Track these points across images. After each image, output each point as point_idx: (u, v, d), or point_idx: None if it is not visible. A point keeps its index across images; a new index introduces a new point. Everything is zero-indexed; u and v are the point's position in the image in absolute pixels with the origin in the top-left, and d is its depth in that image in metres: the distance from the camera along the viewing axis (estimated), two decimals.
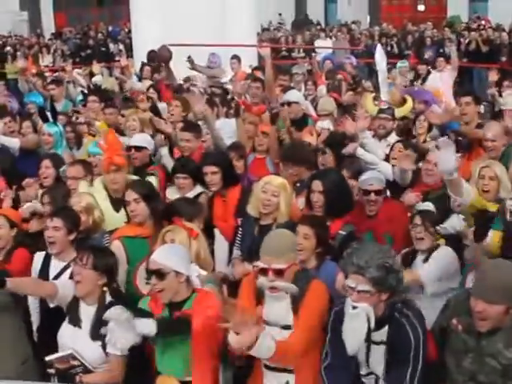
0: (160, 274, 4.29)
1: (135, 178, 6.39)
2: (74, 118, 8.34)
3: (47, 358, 4.49)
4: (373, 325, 3.95)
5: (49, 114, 9.70)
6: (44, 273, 5.22)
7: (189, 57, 11.75)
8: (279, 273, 4.19)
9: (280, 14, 33.19)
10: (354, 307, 3.94)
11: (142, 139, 7.19)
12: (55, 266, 5.17)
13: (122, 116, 8.29)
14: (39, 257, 5.34)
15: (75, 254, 5.01)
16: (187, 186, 6.35)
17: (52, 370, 4.50)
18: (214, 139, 7.42)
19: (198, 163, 6.50)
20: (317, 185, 5.63)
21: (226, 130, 7.98)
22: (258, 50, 9.41)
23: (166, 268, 4.30)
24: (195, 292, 4.43)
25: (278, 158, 7.02)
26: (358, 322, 3.95)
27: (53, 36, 29.21)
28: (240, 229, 5.92)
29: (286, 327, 4.26)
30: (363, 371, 4.17)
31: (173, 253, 4.44)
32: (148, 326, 4.24)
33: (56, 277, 5.04)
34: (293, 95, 8.38)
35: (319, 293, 4.32)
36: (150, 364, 4.55)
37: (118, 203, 6.02)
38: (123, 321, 4.21)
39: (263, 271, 4.23)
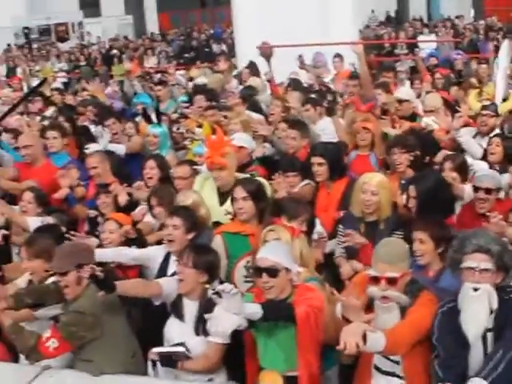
0: (272, 272, 4.32)
1: (243, 175, 6.44)
2: (174, 129, 8.41)
3: (156, 350, 4.59)
4: (495, 306, 3.89)
5: (153, 115, 9.87)
6: (163, 268, 5.38)
7: (300, 56, 11.76)
8: (392, 282, 4.11)
9: (373, 11, 32.72)
10: (476, 289, 3.89)
11: (242, 138, 7.19)
12: (174, 263, 5.25)
13: (225, 118, 8.36)
14: (161, 250, 5.50)
15: None
16: (296, 184, 6.40)
17: (155, 357, 4.61)
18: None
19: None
20: (411, 190, 5.54)
21: (330, 128, 7.97)
22: (351, 47, 9.30)
23: (279, 265, 4.33)
24: (295, 288, 4.44)
25: (382, 154, 6.96)
26: (479, 304, 3.88)
27: (158, 37, 29.72)
28: (341, 225, 5.89)
29: None
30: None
31: (282, 250, 4.48)
32: (255, 309, 4.23)
33: (173, 274, 5.12)
34: (403, 93, 8.30)
35: (428, 302, 4.18)
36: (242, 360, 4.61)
37: (224, 197, 6.09)
38: (231, 295, 4.18)
39: (375, 280, 4.16)
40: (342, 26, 14.80)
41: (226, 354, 4.61)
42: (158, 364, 4.62)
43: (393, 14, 34.97)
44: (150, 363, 4.68)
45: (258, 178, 6.28)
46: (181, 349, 4.56)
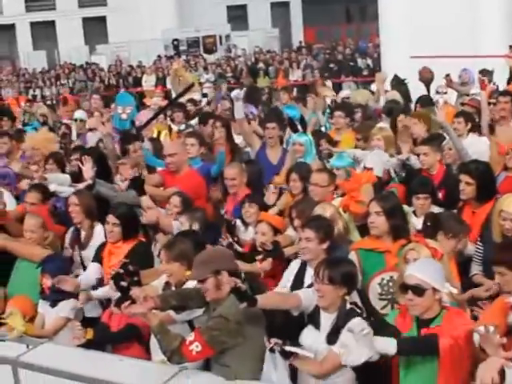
0: (419, 290, 4.25)
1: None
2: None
3: (288, 348, 4.52)
4: None
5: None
6: (299, 279, 5.40)
7: (447, 75, 11.52)
8: None
9: None
10: None
11: (373, 160, 7.17)
12: (311, 273, 5.21)
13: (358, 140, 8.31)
14: (296, 263, 5.56)
15: None
16: (427, 206, 6.29)
17: (277, 347, 4.53)
18: (459, 152, 7.28)
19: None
20: None
21: (478, 146, 7.76)
22: (506, 59, 9.04)
23: (426, 284, 4.25)
24: (444, 309, 4.32)
25: None
26: None
27: (303, 50, 29.91)
28: (481, 244, 5.76)
29: None
30: None
31: (432, 268, 4.38)
32: (387, 345, 4.14)
33: (310, 285, 5.13)
34: None
35: None
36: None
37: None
38: (362, 335, 4.16)
39: None
40: (491, 40, 14.49)
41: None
42: (277, 355, 4.55)
43: None
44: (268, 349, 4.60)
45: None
46: (311, 354, 4.51)
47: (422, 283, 4.24)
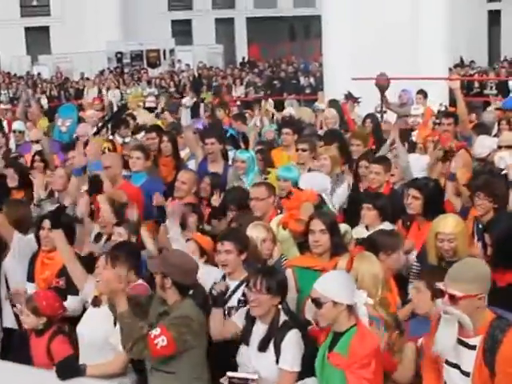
0: (318, 303, 4.31)
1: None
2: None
3: (229, 374, 4.60)
4: None
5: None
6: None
7: (383, 96, 11.66)
8: (453, 299, 3.96)
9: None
10: None
11: (309, 182, 7.02)
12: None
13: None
14: (215, 272, 5.56)
15: (246, 273, 5.23)
16: (375, 220, 6.35)
17: (225, 382, 4.61)
18: (404, 172, 7.42)
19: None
20: (487, 237, 5.29)
21: (419, 165, 7.91)
22: (448, 82, 9.25)
23: (324, 298, 4.29)
24: (356, 326, 4.34)
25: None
26: None
27: (245, 66, 30.07)
28: (417, 263, 5.86)
29: (466, 374, 4.02)
30: None
31: (335, 282, 4.40)
32: None
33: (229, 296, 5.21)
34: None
35: None
36: None
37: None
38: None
39: (442, 293, 4.08)
40: (431, 62, 14.76)
41: None
42: None
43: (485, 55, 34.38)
44: None
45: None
46: (253, 376, 4.56)
47: (321, 297, 4.29)
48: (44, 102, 17.67)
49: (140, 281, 5.47)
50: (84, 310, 5.70)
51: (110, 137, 11.10)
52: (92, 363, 5.02)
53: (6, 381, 4.93)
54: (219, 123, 11.77)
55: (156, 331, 4.60)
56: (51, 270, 6.14)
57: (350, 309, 4.34)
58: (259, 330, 4.74)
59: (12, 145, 11.13)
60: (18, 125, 11.53)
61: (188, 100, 8.64)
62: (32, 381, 5.00)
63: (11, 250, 6.53)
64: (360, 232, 6.25)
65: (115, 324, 5.04)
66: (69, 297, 5.91)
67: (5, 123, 13.71)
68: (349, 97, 11.79)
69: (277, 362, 4.61)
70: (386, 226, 6.26)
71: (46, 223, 6.18)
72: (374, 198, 6.48)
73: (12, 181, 7.80)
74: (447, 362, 4.12)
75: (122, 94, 21.87)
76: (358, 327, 4.32)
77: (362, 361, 4.19)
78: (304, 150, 8.13)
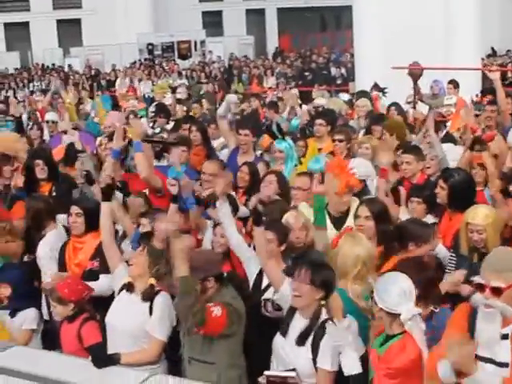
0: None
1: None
2: None
3: (267, 373, 4.57)
4: None
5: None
6: (258, 281, 5.44)
7: (415, 85, 11.58)
8: (497, 292, 3.92)
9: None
10: None
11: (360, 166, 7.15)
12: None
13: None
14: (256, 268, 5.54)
15: (283, 264, 5.18)
16: (420, 212, 6.28)
17: (263, 381, 4.57)
18: (441, 163, 7.38)
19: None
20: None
21: (452, 155, 7.86)
22: (488, 73, 9.14)
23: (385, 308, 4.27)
24: (404, 334, 4.24)
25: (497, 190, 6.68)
26: None
27: (278, 57, 30.04)
28: (453, 255, 5.78)
29: (503, 365, 3.95)
30: None
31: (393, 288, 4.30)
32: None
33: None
34: None
35: None
36: None
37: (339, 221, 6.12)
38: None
39: (480, 287, 4.01)
40: (464, 51, 14.63)
41: None
42: None
43: None
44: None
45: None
46: (292, 374, 4.51)
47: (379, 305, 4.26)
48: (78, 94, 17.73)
49: None
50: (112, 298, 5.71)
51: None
52: (125, 351, 5.06)
53: (45, 369, 4.99)
54: (255, 115, 11.74)
55: (211, 304, 4.69)
56: (84, 253, 6.20)
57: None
58: (298, 323, 4.68)
59: (46, 136, 11.21)
60: (50, 115, 11.61)
61: (233, 96, 8.73)
62: (67, 368, 5.05)
63: (47, 243, 6.59)
64: None
65: (150, 313, 5.10)
66: (101, 276, 5.99)
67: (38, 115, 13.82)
68: (375, 88, 11.74)
69: (313, 359, 4.55)
70: (428, 219, 6.22)
71: (74, 209, 6.25)
72: (422, 191, 6.44)
73: (41, 172, 7.79)
74: (479, 358, 3.99)
75: (153, 85, 21.95)
76: (405, 337, 4.23)
77: (388, 369, 4.17)
78: (340, 141, 8.13)
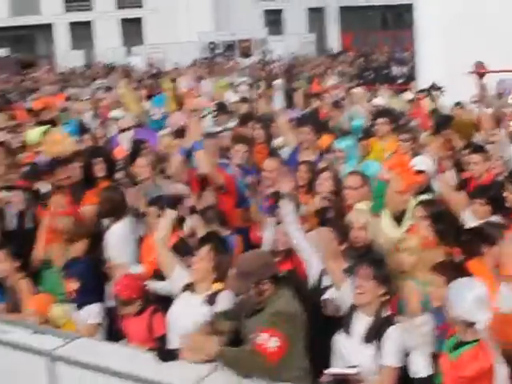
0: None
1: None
2: None
3: (330, 371, 4.59)
4: None
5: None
6: (318, 280, 5.49)
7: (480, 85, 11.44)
8: None
9: None
10: None
11: (423, 162, 7.07)
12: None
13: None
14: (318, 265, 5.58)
15: (344, 264, 5.21)
16: (483, 213, 6.14)
17: (328, 379, 4.60)
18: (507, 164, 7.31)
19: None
20: None
21: None
22: None
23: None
24: (478, 341, 4.18)
25: None
26: None
27: (341, 55, 29.90)
28: None
29: None
30: None
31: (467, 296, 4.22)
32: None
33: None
34: None
35: None
36: None
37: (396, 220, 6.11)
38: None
39: None
40: None
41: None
42: None
43: None
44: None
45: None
46: (354, 371, 4.53)
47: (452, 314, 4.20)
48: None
49: None
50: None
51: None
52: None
53: (108, 360, 5.11)
54: (316, 113, 11.76)
55: (262, 337, 4.48)
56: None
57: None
58: (361, 321, 4.68)
59: (110, 134, 11.33)
60: (115, 112, 11.74)
61: (278, 83, 8.72)
62: (129, 360, 5.16)
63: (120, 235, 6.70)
64: None
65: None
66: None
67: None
68: (433, 87, 11.63)
69: (376, 355, 4.55)
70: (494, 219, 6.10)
71: (151, 209, 6.40)
72: (486, 192, 6.32)
73: (100, 171, 7.84)
74: None
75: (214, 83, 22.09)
76: (479, 345, 4.18)
77: (460, 378, 4.12)
78: (406, 140, 8.11)
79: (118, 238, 6.65)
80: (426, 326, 4.48)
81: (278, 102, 8.68)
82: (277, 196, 5.87)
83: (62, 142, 8.83)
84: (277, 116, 8.97)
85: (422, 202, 5.85)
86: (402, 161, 6.49)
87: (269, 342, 4.44)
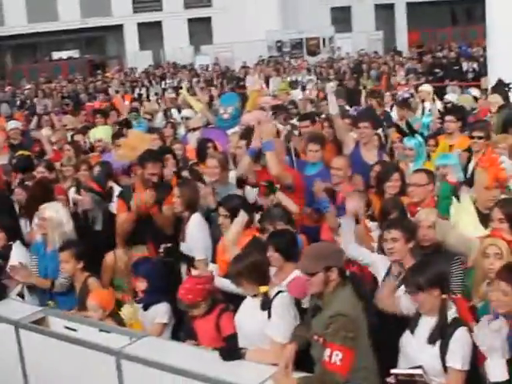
0: None
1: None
2: None
3: (394, 371, 4.54)
4: None
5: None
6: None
7: None
8: None
9: None
10: None
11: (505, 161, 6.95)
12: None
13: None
14: (384, 260, 5.58)
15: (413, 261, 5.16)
16: None
17: (393, 380, 4.54)
18: None
19: None
20: None
21: None
22: None
23: None
24: None
25: None
26: None
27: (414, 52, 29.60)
28: None
29: None
30: None
31: None
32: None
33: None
34: None
35: None
36: None
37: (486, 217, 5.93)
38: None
39: None
40: None
41: None
42: None
43: None
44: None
45: None
46: (418, 371, 4.47)
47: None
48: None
49: None
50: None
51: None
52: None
53: (174, 359, 5.15)
54: (371, 108, 11.64)
55: (326, 354, 4.55)
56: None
57: None
58: (426, 321, 4.64)
59: (181, 133, 11.39)
60: (186, 112, 11.80)
61: (331, 86, 8.75)
62: (197, 360, 5.19)
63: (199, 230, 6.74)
64: None
65: (269, 316, 5.11)
66: None
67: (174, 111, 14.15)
68: (500, 84, 11.43)
69: (441, 358, 4.48)
70: None
71: (221, 210, 6.42)
72: None
73: (170, 169, 7.86)
74: None
75: (282, 81, 22.09)
76: None
77: None
78: (480, 138, 7.98)
79: (198, 225, 6.72)
80: (504, 330, 4.37)
81: (333, 104, 8.60)
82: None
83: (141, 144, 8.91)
84: (333, 118, 8.87)
85: (499, 203, 5.68)
86: (490, 156, 6.34)
87: (333, 357, 4.53)
